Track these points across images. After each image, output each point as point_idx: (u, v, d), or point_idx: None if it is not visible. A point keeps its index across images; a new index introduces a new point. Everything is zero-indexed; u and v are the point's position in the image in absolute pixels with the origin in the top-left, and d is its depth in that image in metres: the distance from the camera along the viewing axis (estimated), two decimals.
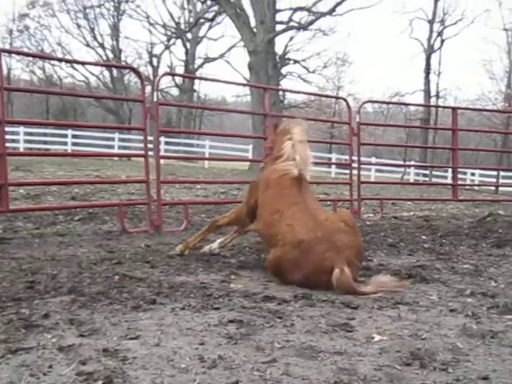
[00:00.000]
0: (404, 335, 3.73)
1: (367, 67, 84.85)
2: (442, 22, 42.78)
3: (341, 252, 4.96)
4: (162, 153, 25.09)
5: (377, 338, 3.65)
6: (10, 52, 35.20)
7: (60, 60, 58.54)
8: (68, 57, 45.92)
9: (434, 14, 42.32)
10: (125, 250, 6.50)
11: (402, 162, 35.09)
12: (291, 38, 40.84)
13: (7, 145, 7.37)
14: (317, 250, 4.99)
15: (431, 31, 42.87)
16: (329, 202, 12.32)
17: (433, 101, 41.97)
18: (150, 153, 8.58)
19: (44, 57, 53.34)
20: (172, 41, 48.24)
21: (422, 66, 43.13)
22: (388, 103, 49.80)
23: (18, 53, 44.51)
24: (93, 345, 3.32)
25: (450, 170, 28.39)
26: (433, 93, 42.80)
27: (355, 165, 11.28)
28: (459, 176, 14.08)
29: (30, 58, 45.62)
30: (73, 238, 7.18)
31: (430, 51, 42.78)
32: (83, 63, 43.45)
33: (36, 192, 11.20)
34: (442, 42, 42.94)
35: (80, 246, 6.71)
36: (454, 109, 12.78)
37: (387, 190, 20.50)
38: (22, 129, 32.55)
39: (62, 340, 3.39)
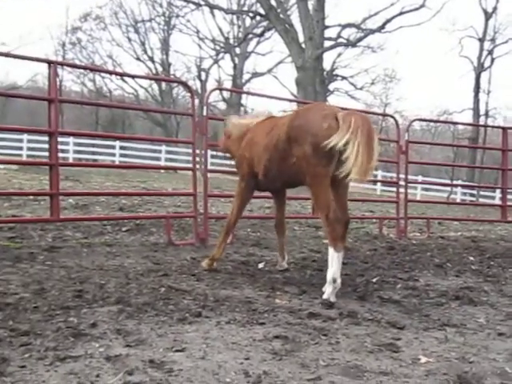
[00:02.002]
0: (451, 358, 3.68)
1: (415, 84, 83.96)
2: (493, 40, 42.01)
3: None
4: (208, 166, 25.17)
5: (423, 359, 3.60)
6: (62, 64, 35.90)
7: (110, 73, 59.56)
8: (118, 69, 46.69)
9: (485, 32, 41.64)
10: (171, 262, 6.56)
11: (449, 181, 34.51)
12: (339, 55, 40.63)
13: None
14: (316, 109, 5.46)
15: (481, 49, 42.16)
16: (374, 220, 12.25)
17: (482, 120, 41.19)
18: (198, 166, 8.66)
19: (95, 69, 54.36)
20: (221, 55, 48.40)
21: (471, 85, 42.49)
22: (436, 122, 49.20)
23: (71, 65, 45.49)
24: (139, 355, 3.37)
25: (497, 190, 27.96)
26: (482, 112, 42.04)
27: (402, 183, 11.17)
28: (508, 197, 13.80)
29: (82, 70, 46.67)
30: (120, 249, 7.27)
31: (479, 70, 42.08)
32: (133, 76, 43.84)
33: (84, 202, 11.37)
34: (493, 60, 42.17)
35: (127, 256, 6.80)
36: (504, 129, 12.59)
37: (433, 209, 20.23)
38: (71, 139, 33.14)
39: (109, 349, 3.45)
